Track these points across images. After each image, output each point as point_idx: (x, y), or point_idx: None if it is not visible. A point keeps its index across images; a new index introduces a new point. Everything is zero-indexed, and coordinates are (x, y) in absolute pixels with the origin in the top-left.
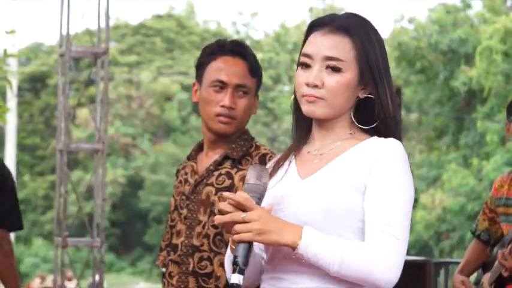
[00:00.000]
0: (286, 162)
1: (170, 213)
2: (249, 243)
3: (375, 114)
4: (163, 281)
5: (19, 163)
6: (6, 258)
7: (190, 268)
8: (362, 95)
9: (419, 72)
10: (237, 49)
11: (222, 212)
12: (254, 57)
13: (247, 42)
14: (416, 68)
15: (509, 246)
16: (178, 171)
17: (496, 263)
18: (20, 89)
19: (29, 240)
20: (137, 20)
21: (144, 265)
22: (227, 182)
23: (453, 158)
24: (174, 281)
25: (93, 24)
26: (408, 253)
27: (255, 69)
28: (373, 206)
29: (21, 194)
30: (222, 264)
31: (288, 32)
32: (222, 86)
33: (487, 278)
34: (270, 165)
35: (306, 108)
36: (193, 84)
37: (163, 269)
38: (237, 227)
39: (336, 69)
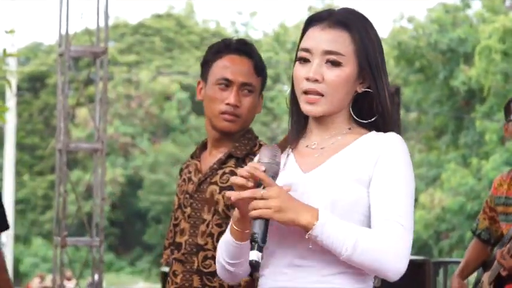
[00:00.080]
0: (283, 155)
1: (174, 211)
2: (266, 221)
3: (372, 108)
4: (167, 279)
5: (18, 163)
6: None
7: (195, 267)
8: (360, 89)
9: (419, 71)
10: (243, 48)
11: (236, 187)
12: (260, 56)
13: None
14: (416, 68)
15: (508, 246)
16: (182, 169)
17: (495, 262)
18: (19, 88)
19: (28, 240)
20: (136, 19)
21: (143, 265)
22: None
23: (452, 157)
24: (178, 280)
25: (92, 24)
26: None
27: (260, 69)
28: (379, 197)
29: (20, 194)
30: None
31: (287, 31)
32: (227, 84)
33: (486, 277)
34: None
35: (306, 109)
36: (198, 82)
37: (162, 269)
38: (257, 203)
39: (335, 64)
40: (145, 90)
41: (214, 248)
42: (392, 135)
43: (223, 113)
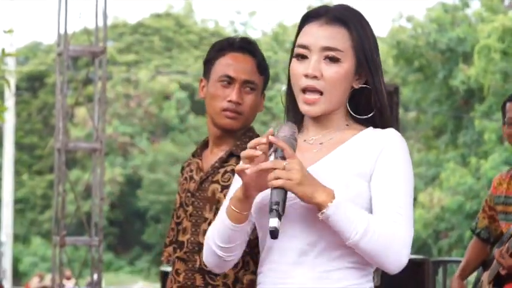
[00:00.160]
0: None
1: (175, 210)
2: (285, 192)
3: (369, 103)
4: (169, 278)
5: (17, 162)
6: None
7: (197, 265)
8: (357, 85)
9: (418, 70)
10: (247, 46)
11: (249, 158)
12: (263, 55)
13: None
14: (415, 67)
15: (507, 245)
16: (183, 168)
17: (495, 261)
18: (18, 88)
19: (27, 239)
20: (135, 19)
21: (142, 264)
22: (233, 180)
23: (451, 156)
24: (180, 278)
25: (91, 23)
26: None
27: (263, 67)
28: (381, 190)
29: (19, 193)
30: None
31: (286, 31)
32: (229, 81)
33: (486, 276)
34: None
35: (304, 109)
36: (201, 80)
37: (162, 268)
38: (280, 173)
39: (334, 60)
40: (144, 90)
41: None
42: (392, 131)
43: (225, 110)
